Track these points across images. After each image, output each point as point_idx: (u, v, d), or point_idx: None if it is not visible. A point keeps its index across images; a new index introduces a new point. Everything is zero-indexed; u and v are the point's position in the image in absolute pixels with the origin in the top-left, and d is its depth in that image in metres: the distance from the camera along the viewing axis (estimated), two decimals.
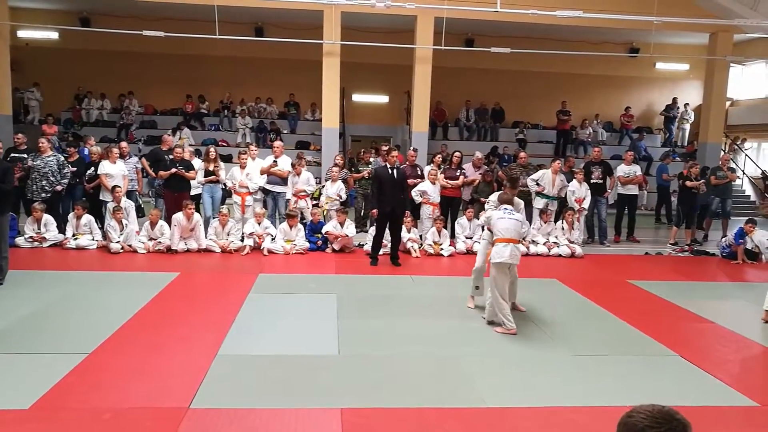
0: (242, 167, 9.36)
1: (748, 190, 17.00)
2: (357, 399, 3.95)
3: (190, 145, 13.61)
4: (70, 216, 8.76)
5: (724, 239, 9.76)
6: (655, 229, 12.74)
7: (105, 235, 8.62)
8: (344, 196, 9.74)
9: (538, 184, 9.64)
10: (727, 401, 4.18)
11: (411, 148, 11.42)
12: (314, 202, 9.80)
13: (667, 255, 9.68)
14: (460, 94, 17.19)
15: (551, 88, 17.44)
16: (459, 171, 9.90)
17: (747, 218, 9.51)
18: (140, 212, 9.41)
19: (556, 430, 3.68)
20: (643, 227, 11.63)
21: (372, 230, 9.03)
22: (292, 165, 9.57)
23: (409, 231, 8.84)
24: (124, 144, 9.89)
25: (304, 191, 9.46)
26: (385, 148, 10.42)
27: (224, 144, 15.66)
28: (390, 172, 8.14)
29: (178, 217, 8.44)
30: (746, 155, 17.14)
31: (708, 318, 6.13)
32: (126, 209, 8.82)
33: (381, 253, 8.41)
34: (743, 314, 6.35)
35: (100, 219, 9.02)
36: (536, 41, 15.02)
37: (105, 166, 9.04)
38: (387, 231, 8.31)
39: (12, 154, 9.07)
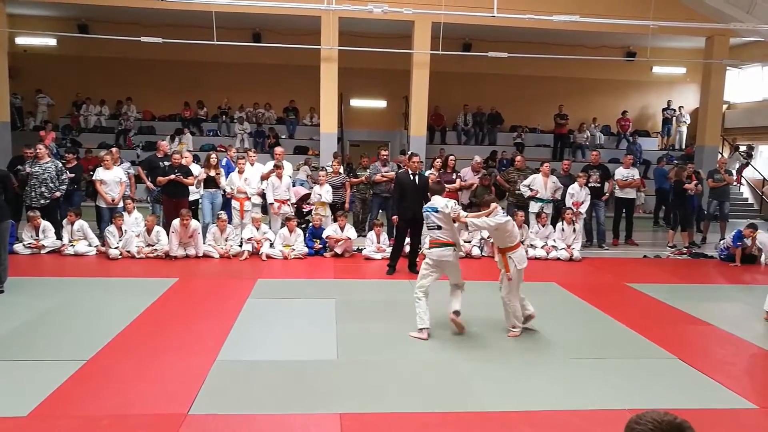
0: (240, 172, 9.37)
1: (746, 193, 17.03)
2: (356, 404, 3.95)
3: (189, 150, 13.60)
4: (64, 222, 8.76)
5: (722, 242, 9.77)
6: (654, 232, 12.76)
7: (103, 241, 8.63)
8: (329, 199, 9.60)
9: (530, 188, 9.66)
10: (725, 404, 4.18)
11: (409, 152, 11.42)
12: (310, 207, 9.77)
13: (666, 258, 9.70)
14: (458, 98, 17.23)
15: (548, 93, 17.48)
16: (455, 175, 9.92)
17: (748, 222, 9.52)
18: None
19: None
20: (641, 230, 11.64)
21: (371, 235, 9.05)
22: (314, 175, 9.66)
23: None
24: (114, 149, 9.92)
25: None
26: (384, 152, 10.38)
27: (222, 149, 15.64)
28: (412, 177, 7.95)
29: (176, 224, 8.44)
30: (748, 162, 17.17)
31: (706, 320, 6.13)
32: (137, 220, 8.85)
33: (381, 257, 8.42)
34: (741, 316, 6.35)
35: (99, 224, 9.05)
36: (533, 46, 15.07)
37: (99, 173, 9.07)
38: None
39: (18, 166, 9.14)
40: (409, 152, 10.89)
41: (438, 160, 10.16)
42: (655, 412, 1.57)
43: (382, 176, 9.94)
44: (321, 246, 8.91)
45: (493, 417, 3.86)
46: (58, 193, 8.80)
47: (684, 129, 17.71)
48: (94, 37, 14.33)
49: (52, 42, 16.03)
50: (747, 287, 7.75)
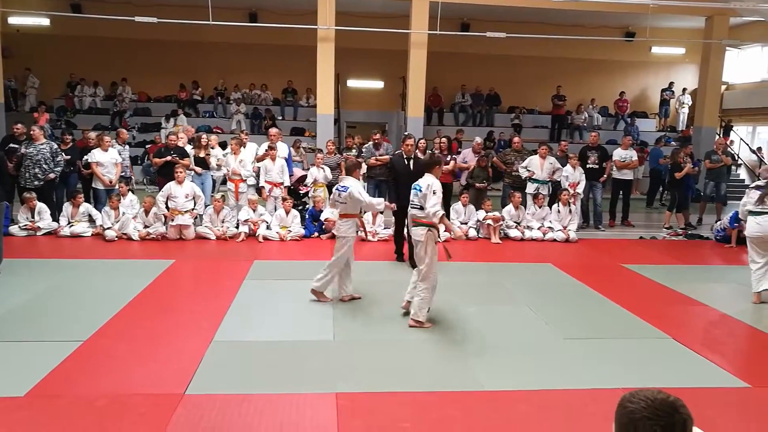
0: (235, 154, 9.32)
1: (743, 174, 17.04)
2: (352, 383, 3.97)
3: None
4: (66, 205, 8.73)
5: (718, 223, 9.79)
6: (648, 213, 12.77)
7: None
8: (326, 179, 9.60)
9: (527, 170, 9.65)
10: (719, 383, 4.22)
11: (406, 133, 11.34)
12: (307, 189, 9.74)
13: (662, 239, 9.72)
14: (456, 79, 17.13)
15: (547, 73, 17.38)
16: (450, 156, 9.84)
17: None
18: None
19: (550, 412, 3.70)
20: (636, 211, 11.65)
21: (366, 217, 9.02)
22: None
23: None
24: (124, 132, 9.91)
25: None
26: (375, 136, 10.25)
27: (218, 131, 15.59)
28: (406, 162, 7.34)
29: (171, 185, 8.56)
30: (741, 139, 17.18)
31: (701, 301, 6.17)
32: (132, 202, 8.83)
33: (377, 239, 8.38)
34: (735, 297, 6.39)
35: (94, 206, 9.02)
36: (532, 26, 14.94)
37: (96, 155, 9.01)
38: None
39: (10, 144, 9.05)
40: (404, 134, 10.78)
41: (443, 140, 10.00)
42: (648, 390, 1.56)
43: (377, 160, 9.88)
44: (318, 230, 8.89)
45: (488, 396, 3.88)
46: (52, 175, 8.75)
47: (686, 110, 17.63)
48: (88, 17, 14.14)
49: (45, 22, 15.80)
50: (742, 268, 7.74)
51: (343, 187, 5.75)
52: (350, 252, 5.82)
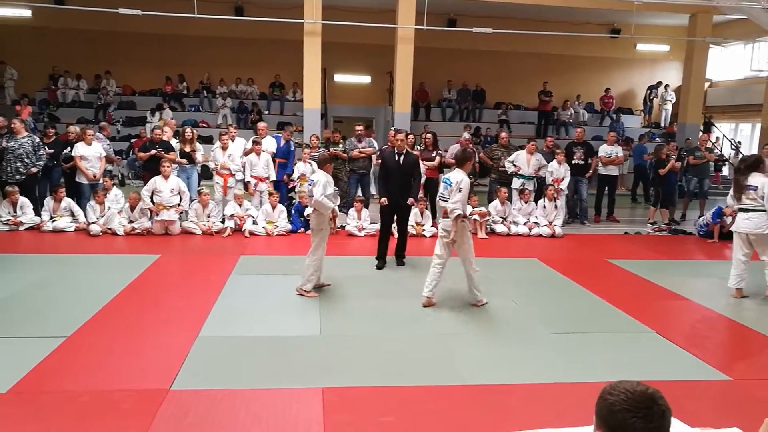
0: (224, 148, 9.25)
1: (725, 170, 17.22)
2: (338, 378, 3.97)
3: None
4: (47, 200, 8.62)
5: (701, 219, 9.91)
6: (632, 209, 12.88)
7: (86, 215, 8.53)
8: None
9: (514, 164, 9.70)
10: (701, 376, 4.28)
11: (392, 128, 11.34)
12: (293, 184, 9.71)
13: (646, 234, 9.82)
14: (443, 75, 17.15)
15: (533, 69, 17.46)
16: (435, 152, 9.83)
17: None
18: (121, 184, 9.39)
19: (535, 406, 3.73)
20: (620, 207, 11.75)
21: (351, 212, 9.01)
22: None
23: None
24: (105, 125, 9.80)
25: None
26: (359, 128, 10.15)
27: (205, 125, 15.48)
28: (396, 157, 7.07)
29: (156, 180, 8.47)
30: (724, 136, 17.39)
31: (684, 295, 6.25)
32: (117, 197, 8.74)
33: (363, 234, 8.36)
34: (718, 292, 6.46)
35: (77, 201, 8.91)
36: (518, 22, 14.98)
37: (79, 148, 8.91)
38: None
39: None
40: (393, 128, 10.71)
41: (429, 136, 9.98)
42: (627, 382, 1.57)
43: (360, 152, 9.87)
44: (304, 225, 8.86)
45: (474, 390, 3.90)
46: (34, 169, 8.64)
47: (669, 107, 17.81)
48: (71, 9, 13.92)
49: (26, 13, 15.52)
50: (724, 263, 7.84)
51: (312, 180, 5.86)
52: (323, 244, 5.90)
